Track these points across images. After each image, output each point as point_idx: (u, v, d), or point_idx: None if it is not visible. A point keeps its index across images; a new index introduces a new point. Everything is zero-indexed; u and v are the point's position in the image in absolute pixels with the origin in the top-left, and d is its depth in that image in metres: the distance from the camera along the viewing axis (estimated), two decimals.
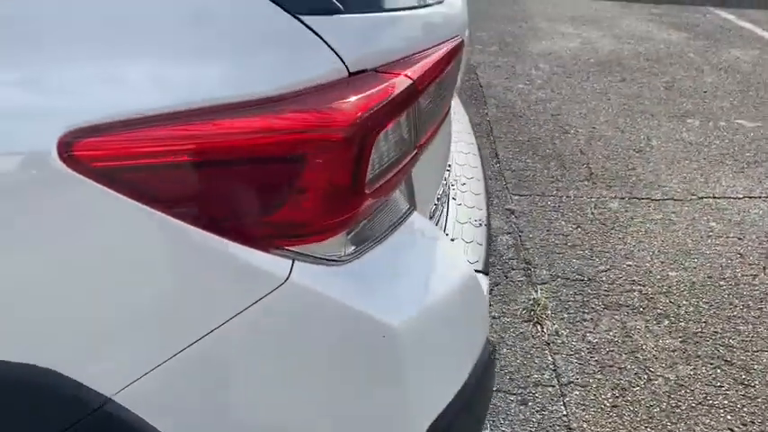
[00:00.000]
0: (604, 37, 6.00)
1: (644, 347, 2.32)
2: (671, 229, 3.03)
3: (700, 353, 2.31)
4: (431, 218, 1.19)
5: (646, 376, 2.20)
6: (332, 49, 0.87)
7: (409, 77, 0.93)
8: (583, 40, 5.90)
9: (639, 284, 2.64)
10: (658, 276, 2.70)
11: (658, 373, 2.21)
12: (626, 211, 3.18)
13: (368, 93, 0.87)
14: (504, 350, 2.31)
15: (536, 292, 2.59)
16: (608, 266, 2.75)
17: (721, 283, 2.67)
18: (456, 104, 2.02)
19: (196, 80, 0.80)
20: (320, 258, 0.88)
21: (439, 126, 1.13)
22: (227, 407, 0.89)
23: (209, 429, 0.90)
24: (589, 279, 2.68)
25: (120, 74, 0.79)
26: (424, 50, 1.04)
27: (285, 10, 0.84)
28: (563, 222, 3.07)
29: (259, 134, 0.80)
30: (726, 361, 2.27)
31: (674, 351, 2.31)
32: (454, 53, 1.11)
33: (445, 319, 1.03)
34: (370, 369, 0.93)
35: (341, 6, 0.89)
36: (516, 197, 3.29)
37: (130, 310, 0.83)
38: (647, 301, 2.55)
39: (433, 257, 1.04)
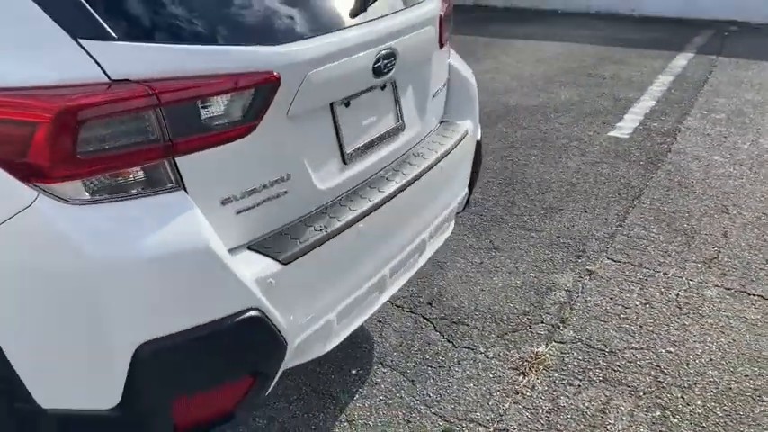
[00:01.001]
0: None
1: (609, 427, 2.23)
2: (757, 332, 2.70)
3: None
4: (222, 204, 1.55)
5: None
6: (96, 62, 1.33)
7: (151, 89, 1.35)
8: None
9: (662, 372, 2.47)
10: (692, 371, 2.48)
11: None
12: (720, 301, 2.89)
13: (98, 93, 1.31)
14: (471, 384, 2.42)
15: (545, 347, 2.61)
16: (643, 346, 2.61)
17: (765, 398, 2.35)
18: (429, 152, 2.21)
19: None
20: (58, 197, 1.34)
21: (227, 138, 1.49)
22: None
23: None
24: (611, 351, 2.58)
25: None
26: (206, 75, 1.43)
27: (69, 34, 1.33)
28: (635, 295, 2.94)
29: (18, 107, 1.30)
30: None
31: None
32: (242, 82, 1.47)
33: (158, 271, 1.39)
34: (79, 288, 1.36)
35: (115, 36, 1.35)
36: (608, 261, 3.21)
37: None
38: (654, 389, 2.39)
39: (171, 227, 1.41)
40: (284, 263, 1.61)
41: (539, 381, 2.44)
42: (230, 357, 1.56)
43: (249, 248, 1.62)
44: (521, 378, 2.46)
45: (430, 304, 2.90)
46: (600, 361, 2.53)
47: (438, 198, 2.27)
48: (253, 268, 1.56)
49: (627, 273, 3.11)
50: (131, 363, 1.41)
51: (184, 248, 1.42)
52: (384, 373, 2.50)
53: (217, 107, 1.47)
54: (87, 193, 1.37)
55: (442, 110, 2.47)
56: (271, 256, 1.60)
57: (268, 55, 1.55)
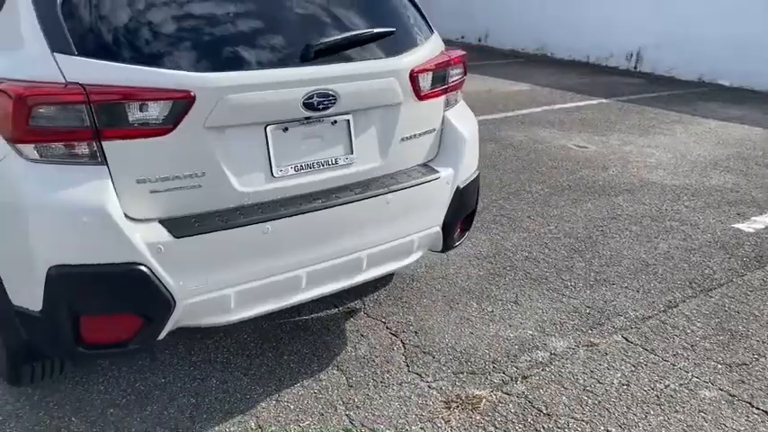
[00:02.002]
0: None
1: None
2: None
3: None
4: (138, 183, 2.08)
5: None
6: (59, 69, 1.99)
7: (85, 91, 1.96)
8: None
9: None
10: None
11: None
12: (711, 404, 2.70)
13: (48, 89, 1.96)
14: (396, 403, 2.66)
15: (488, 392, 2.73)
16: (585, 419, 2.59)
17: None
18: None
19: None
20: (20, 153, 2.01)
21: (147, 134, 2.05)
22: None
23: None
24: (547, 414, 2.61)
25: None
26: (138, 87, 2.01)
27: (50, 48, 2.01)
28: (619, 375, 2.87)
29: (5, 90, 2.00)
30: None
31: None
32: (161, 95, 2.03)
33: (63, 216, 1.97)
34: (18, 216, 2.00)
35: (76, 52, 2.00)
36: (619, 338, 3.14)
37: None
38: None
39: (83, 188, 1.97)
40: (176, 237, 2.10)
41: (458, 418, 2.58)
42: (119, 296, 2.09)
43: (159, 221, 2.14)
44: (444, 411, 2.62)
45: (416, 333, 3.14)
46: (529, 419, 2.58)
47: (384, 227, 2.57)
48: (148, 235, 2.07)
49: (630, 353, 3.02)
50: (45, 279, 2.01)
51: (86, 205, 1.99)
52: (334, 374, 2.82)
53: (141, 110, 2.03)
54: (38, 155, 2.00)
55: (426, 154, 2.76)
56: (167, 229, 2.10)
57: (189, 78, 2.08)
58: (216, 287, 2.23)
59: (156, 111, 2.05)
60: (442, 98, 2.78)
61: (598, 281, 3.70)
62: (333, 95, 2.34)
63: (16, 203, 2.02)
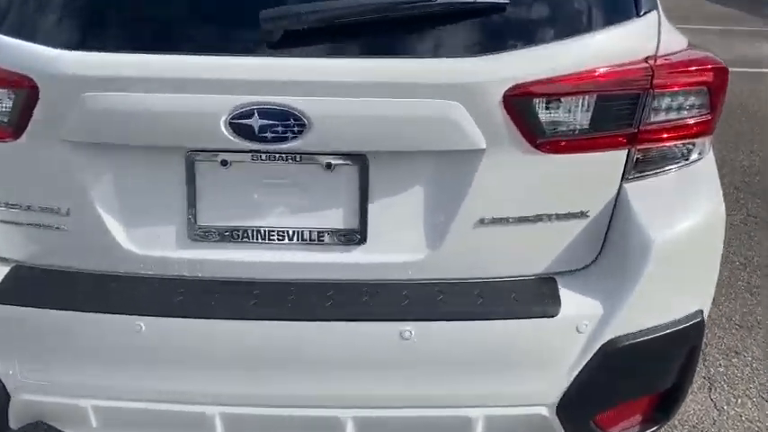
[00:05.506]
0: None
1: None
2: None
3: None
4: None
5: None
6: None
7: None
8: None
9: None
10: None
11: None
12: None
13: None
14: None
15: None
16: None
17: None
18: None
19: None
20: None
21: None
22: None
23: None
24: None
25: None
26: None
27: None
28: None
29: None
30: None
31: None
32: None
33: None
34: None
35: None
36: None
37: None
38: None
39: None
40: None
41: None
42: None
43: (13, 267, 1.42)
44: None
45: None
46: None
47: (400, 379, 1.36)
48: None
49: None
50: None
51: None
52: None
53: None
54: None
55: (552, 259, 1.41)
56: None
57: (30, 58, 1.24)
58: (64, 392, 1.42)
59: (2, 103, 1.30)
60: (618, 153, 1.31)
61: None
62: (295, 116, 1.21)
63: None
